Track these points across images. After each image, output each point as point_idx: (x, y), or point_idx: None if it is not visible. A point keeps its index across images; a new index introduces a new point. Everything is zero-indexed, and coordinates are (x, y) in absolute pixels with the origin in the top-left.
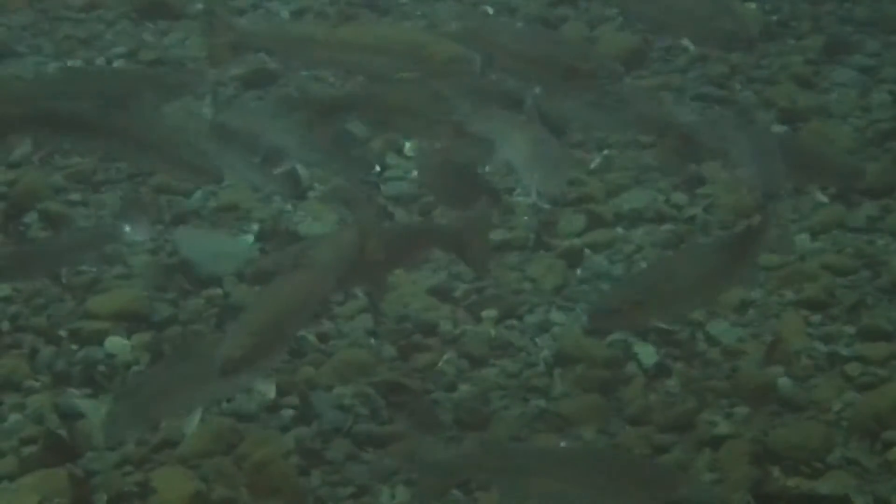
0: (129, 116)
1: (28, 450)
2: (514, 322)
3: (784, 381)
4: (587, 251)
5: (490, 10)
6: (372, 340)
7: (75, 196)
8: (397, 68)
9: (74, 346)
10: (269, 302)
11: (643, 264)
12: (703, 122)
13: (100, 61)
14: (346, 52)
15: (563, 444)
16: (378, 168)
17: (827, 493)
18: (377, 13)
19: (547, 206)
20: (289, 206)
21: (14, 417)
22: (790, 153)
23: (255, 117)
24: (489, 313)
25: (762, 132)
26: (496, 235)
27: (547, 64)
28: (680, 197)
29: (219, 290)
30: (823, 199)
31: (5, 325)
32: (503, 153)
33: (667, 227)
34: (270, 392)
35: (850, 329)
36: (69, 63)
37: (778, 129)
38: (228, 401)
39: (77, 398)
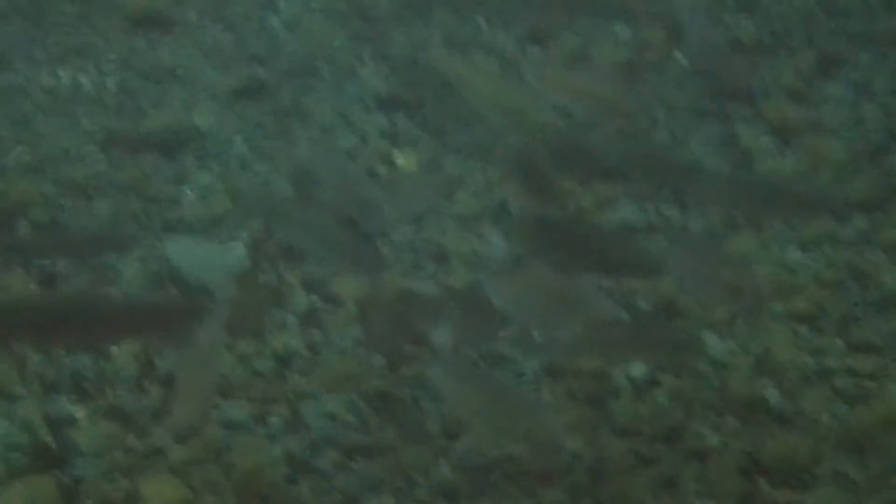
0: None
1: (15, 456)
2: (503, 333)
3: (773, 394)
4: None
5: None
6: (361, 350)
7: (65, 203)
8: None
9: (64, 355)
10: (198, 366)
11: None
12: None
13: (92, 70)
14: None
15: None
16: None
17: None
18: None
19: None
20: None
21: (1, 424)
22: (744, 193)
23: None
24: None
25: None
26: None
27: None
28: None
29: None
30: None
31: None
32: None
33: None
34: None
35: (840, 342)
36: (60, 71)
37: (766, 140)
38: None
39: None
